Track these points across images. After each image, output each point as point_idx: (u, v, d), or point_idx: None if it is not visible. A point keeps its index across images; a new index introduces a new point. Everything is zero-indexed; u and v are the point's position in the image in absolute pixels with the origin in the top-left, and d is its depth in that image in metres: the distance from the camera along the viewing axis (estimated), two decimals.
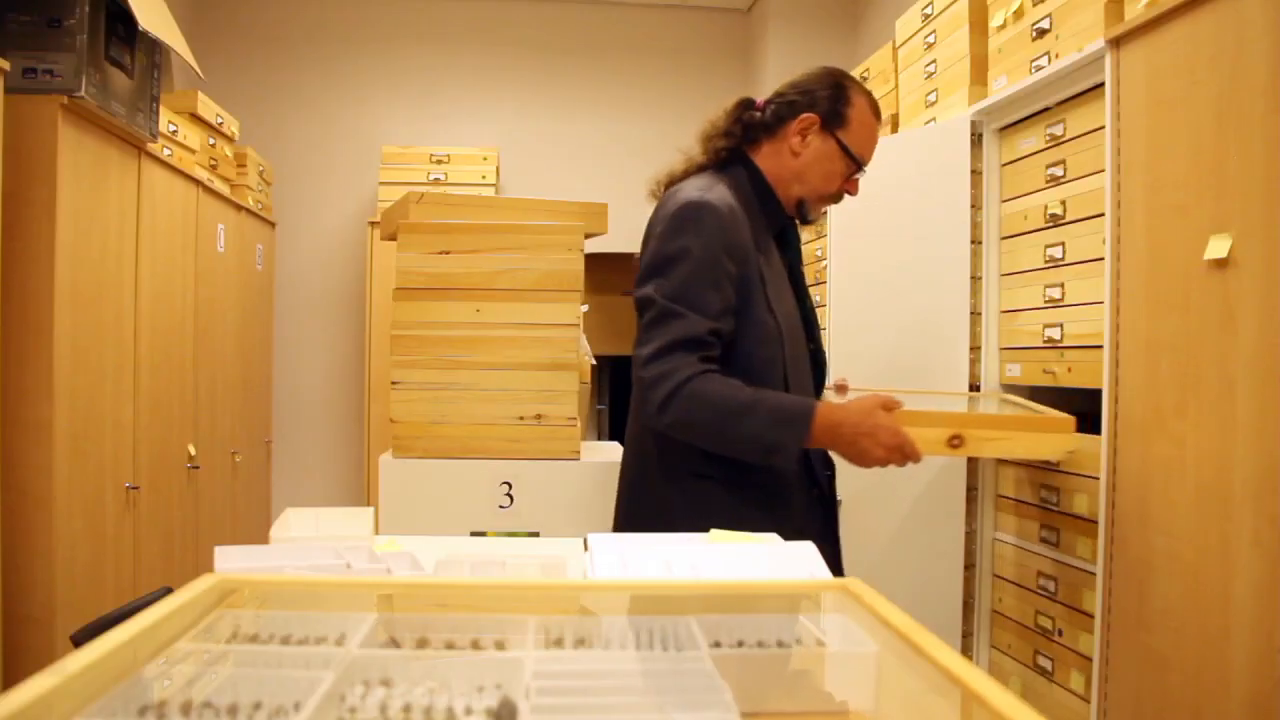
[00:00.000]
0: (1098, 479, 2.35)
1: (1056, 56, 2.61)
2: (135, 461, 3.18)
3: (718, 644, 0.67)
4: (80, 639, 1.67)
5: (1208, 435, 1.98)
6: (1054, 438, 1.99)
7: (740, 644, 0.68)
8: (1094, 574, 2.36)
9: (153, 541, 3.34)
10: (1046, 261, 2.65)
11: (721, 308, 1.80)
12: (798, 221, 2.07)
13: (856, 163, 1.97)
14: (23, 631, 2.58)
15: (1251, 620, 1.85)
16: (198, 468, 3.80)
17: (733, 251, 1.83)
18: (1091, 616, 2.37)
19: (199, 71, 3.42)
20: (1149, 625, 2.14)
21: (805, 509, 1.94)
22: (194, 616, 0.70)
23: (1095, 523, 2.37)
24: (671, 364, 1.75)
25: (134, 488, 3.15)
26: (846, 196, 2.02)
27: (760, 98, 2.04)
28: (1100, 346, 2.34)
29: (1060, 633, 2.56)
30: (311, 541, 1.06)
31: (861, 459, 1.78)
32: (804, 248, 2.59)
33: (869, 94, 2.01)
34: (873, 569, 2.97)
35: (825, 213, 1.93)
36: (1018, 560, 2.77)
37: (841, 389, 2.34)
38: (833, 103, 1.97)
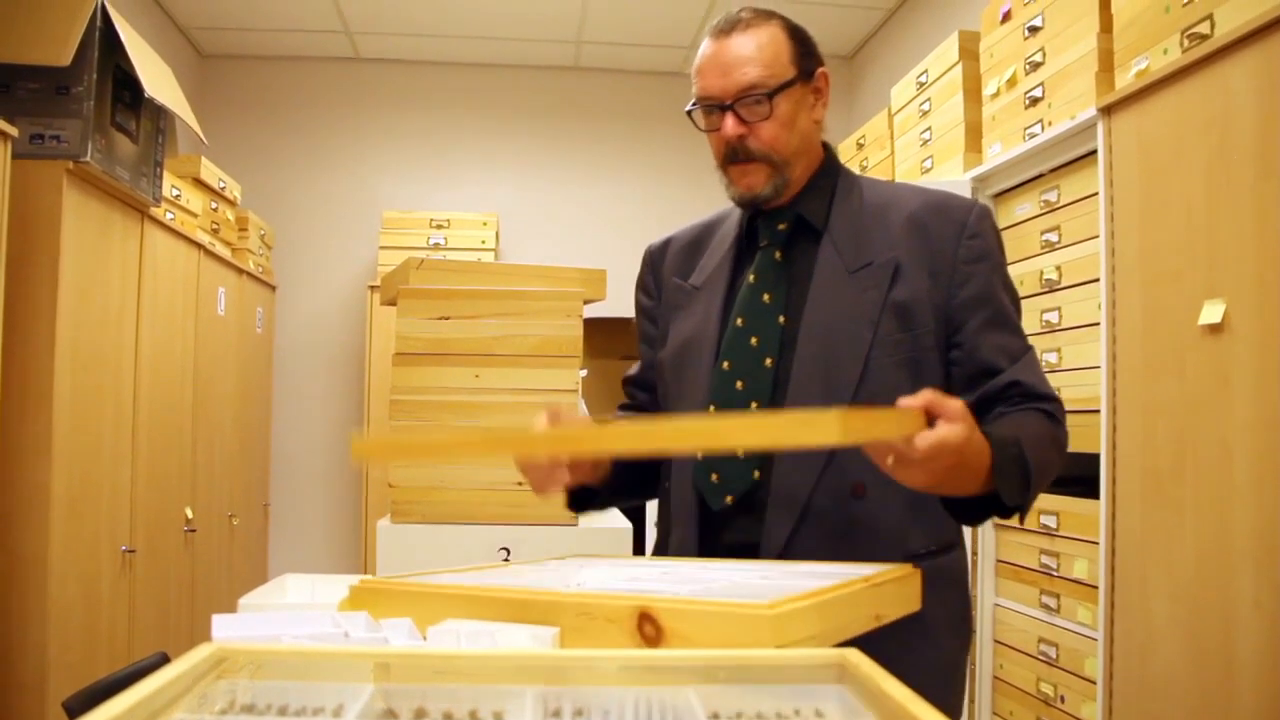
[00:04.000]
0: (1097, 543, 2.34)
1: (1049, 124, 2.66)
2: (132, 524, 3.17)
3: (716, 715, 0.67)
4: (73, 706, 1.65)
5: (1206, 499, 1.98)
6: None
7: (739, 715, 0.67)
8: (1095, 639, 2.34)
9: (148, 605, 3.31)
10: (1043, 326, 2.67)
11: (644, 354, 1.77)
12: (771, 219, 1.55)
13: (695, 103, 1.53)
14: (15, 697, 2.54)
15: (1255, 684, 1.84)
16: (195, 531, 3.78)
17: (647, 289, 1.76)
18: (1094, 683, 2.35)
19: (203, 137, 3.47)
20: (1152, 691, 2.12)
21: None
22: (190, 685, 0.70)
23: (1095, 588, 2.36)
24: None
25: (130, 551, 3.13)
26: (736, 147, 1.48)
27: None
28: (1097, 411, 2.35)
29: (1063, 699, 2.53)
30: (307, 609, 1.06)
31: None
32: None
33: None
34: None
35: (757, 191, 1.49)
36: (1019, 626, 2.75)
37: None
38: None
